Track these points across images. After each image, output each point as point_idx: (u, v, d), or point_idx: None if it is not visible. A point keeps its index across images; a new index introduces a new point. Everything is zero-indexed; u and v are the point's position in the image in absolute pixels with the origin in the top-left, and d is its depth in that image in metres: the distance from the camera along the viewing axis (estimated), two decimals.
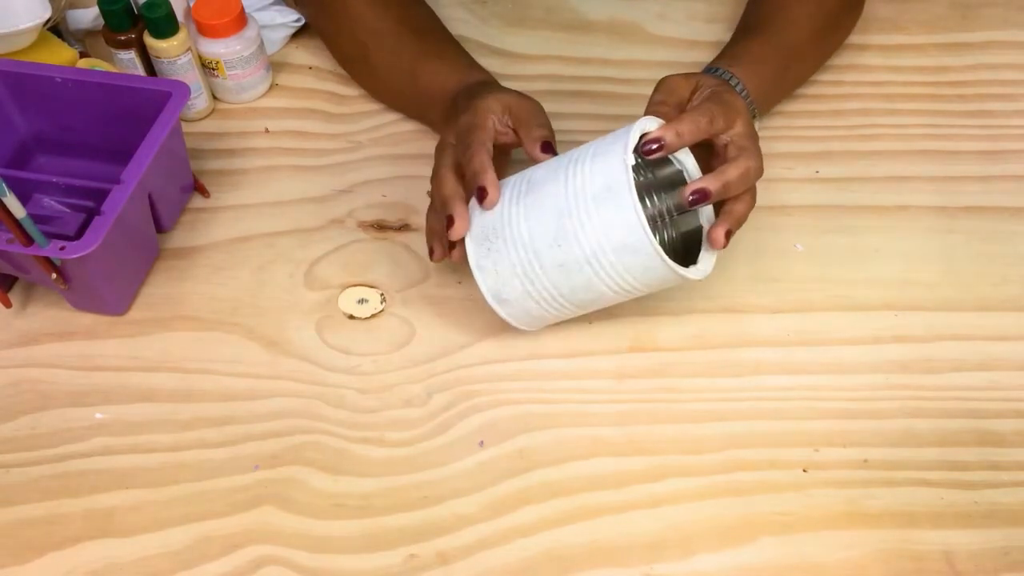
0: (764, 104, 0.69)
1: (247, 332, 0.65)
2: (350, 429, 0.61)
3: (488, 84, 0.67)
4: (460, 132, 0.61)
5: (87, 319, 0.65)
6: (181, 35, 0.73)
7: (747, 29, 0.73)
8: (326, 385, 0.62)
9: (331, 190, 0.72)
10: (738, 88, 0.65)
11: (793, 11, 0.72)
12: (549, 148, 0.60)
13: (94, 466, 0.59)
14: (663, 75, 0.79)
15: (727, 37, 0.81)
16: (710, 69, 0.67)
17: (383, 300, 0.66)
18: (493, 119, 0.61)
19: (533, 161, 0.60)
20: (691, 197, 0.57)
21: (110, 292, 0.64)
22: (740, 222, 0.59)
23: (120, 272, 0.65)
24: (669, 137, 0.56)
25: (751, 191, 0.59)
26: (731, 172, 0.57)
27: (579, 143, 0.74)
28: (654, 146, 0.56)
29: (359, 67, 0.76)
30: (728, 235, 0.59)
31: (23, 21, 0.69)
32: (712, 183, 0.57)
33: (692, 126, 0.57)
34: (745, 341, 0.64)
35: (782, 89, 0.73)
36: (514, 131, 0.62)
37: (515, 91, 0.64)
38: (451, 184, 0.60)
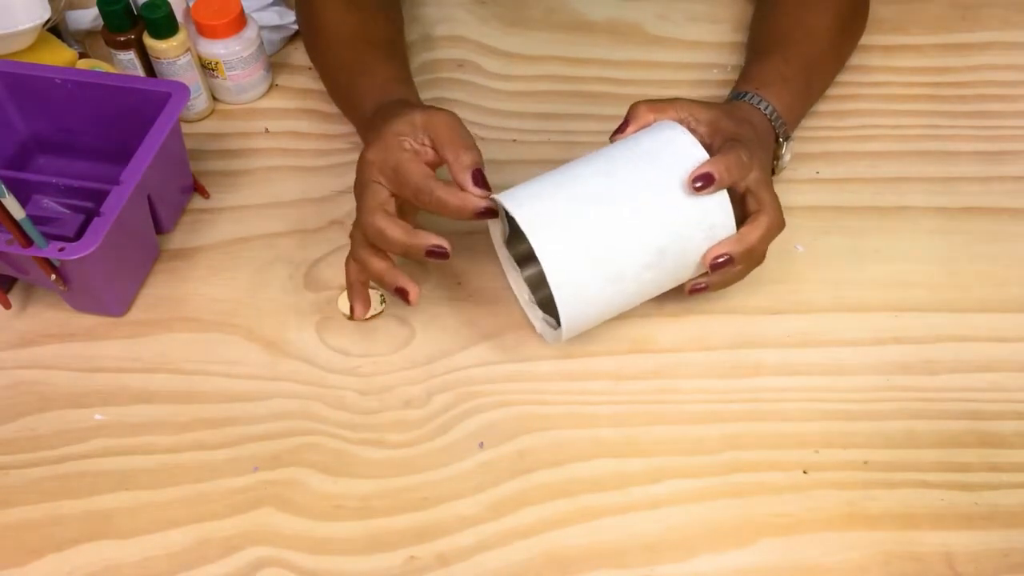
0: (792, 122, 0.68)
1: (247, 333, 0.65)
2: (350, 430, 0.60)
3: (402, 102, 0.63)
4: (384, 170, 0.58)
5: (87, 320, 0.65)
6: (181, 36, 0.73)
7: (766, 48, 0.72)
8: (326, 386, 0.62)
9: (331, 191, 0.72)
10: (767, 110, 0.65)
11: (809, 24, 0.72)
12: (481, 180, 0.56)
13: (94, 467, 0.59)
14: (663, 75, 0.80)
15: (728, 38, 0.82)
16: (738, 94, 0.66)
17: (383, 301, 0.66)
18: (407, 143, 0.58)
19: (460, 187, 0.56)
20: (714, 262, 0.57)
21: (110, 293, 0.64)
22: (723, 284, 0.61)
23: (120, 273, 0.65)
24: (721, 174, 0.56)
25: (756, 256, 0.60)
26: (753, 235, 0.58)
27: (578, 144, 0.74)
28: (699, 184, 0.55)
29: (318, 72, 0.75)
30: (698, 290, 0.60)
31: (23, 22, 0.69)
32: (735, 248, 0.57)
33: (737, 162, 0.57)
34: (745, 342, 0.64)
35: (807, 104, 0.72)
36: (434, 149, 0.58)
37: (427, 107, 0.60)
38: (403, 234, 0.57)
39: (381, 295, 0.66)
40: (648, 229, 0.56)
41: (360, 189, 0.59)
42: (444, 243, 0.57)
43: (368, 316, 0.65)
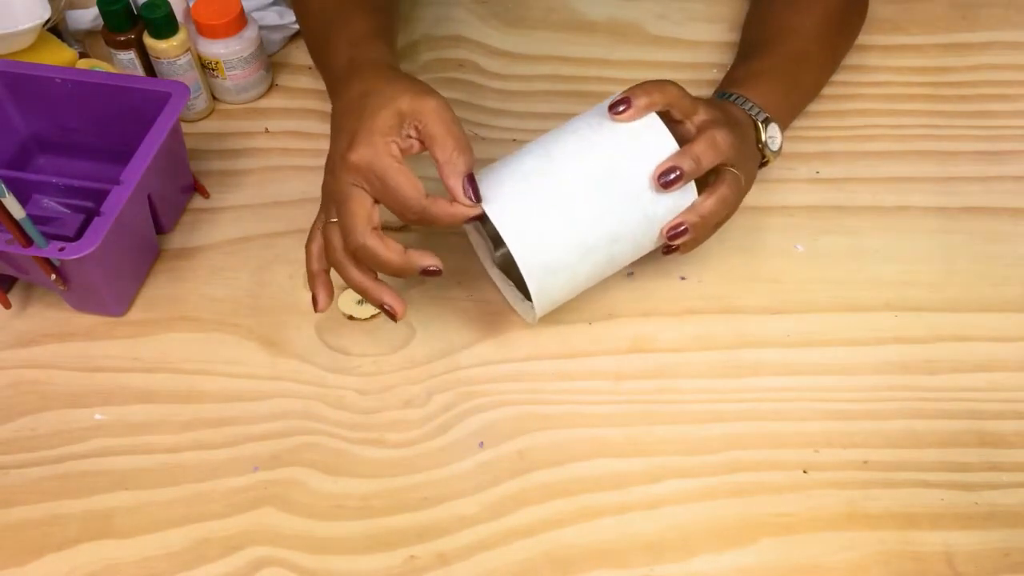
0: (780, 115, 0.66)
1: (247, 333, 0.65)
2: (350, 430, 0.60)
3: (379, 68, 0.58)
4: (368, 177, 0.54)
5: (87, 320, 0.65)
6: (181, 36, 0.73)
7: (748, 49, 0.73)
8: (326, 386, 0.62)
9: None
10: (745, 105, 0.64)
11: (794, 21, 0.72)
12: (473, 189, 0.54)
13: (93, 467, 0.59)
14: (662, 75, 0.79)
15: (727, 37, 0.82)
16: (721, 95, 0.66)
17: None
18: (394, 146, 0.54)
19: (451, 193, 0.54)
20: (663, 179, 0.56)
21: (110, 293, 0.64)
22: (705, 220, 0.58)
23: (120, 273, 0.65)
24: (637, 95, 0.56)
25: (724, 190, 0.58)
26: (697, 145, 0.57)
27: None
28: (620, 108, 0.56)
29: (300, 25, 0.73)
30: (678, 231, 0.57)
31: (23, 22, 0.69)
32: (680, 159, 0.56)
33: (657, 86, 0.57)
34: (745, 342, 0.64)
35: (797, 98, 0.72)
36: (421, 141, 0.54)
37: (412, 88, 0.55)
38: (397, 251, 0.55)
39: None
40: (578, 156, 0.56)
41: (339, 194, 0.55)
42: (438, 262, 0.55)
43: (368, 316, 0.65)
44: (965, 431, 0.60)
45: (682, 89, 0.58)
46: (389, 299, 0.57)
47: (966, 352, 0.63)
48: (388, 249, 0.55)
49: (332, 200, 0.56)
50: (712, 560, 0.55)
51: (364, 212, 0.54)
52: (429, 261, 0.55)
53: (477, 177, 0.56)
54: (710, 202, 0.58)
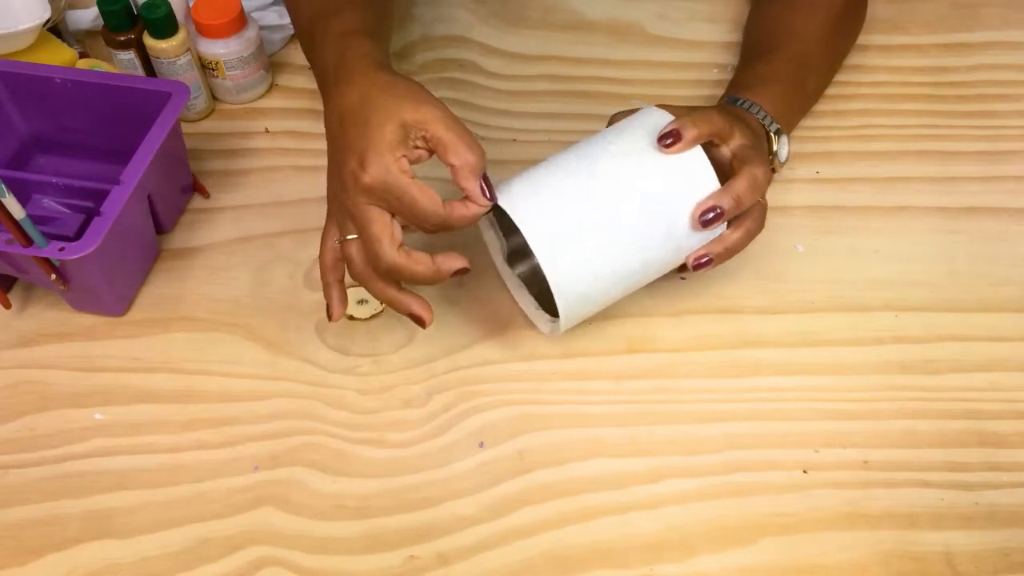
0: (787, 121, 0.67)
1: (247, 333, 0.65)
2: (350, 430, 0.61)
3: (367, 71, 0.56)
4: (384, 196, 0.53)
5: (87, 320, 0.65)
6: (181, 35, 0.73)
7: (754, 52, 0.73)
8: (326, 386, 0.62)
9: None
10: (758, 113, 0.64)
11: (797, 24, 0.72)
12: (489, 187, 0.54)
13: (94, 467, 0.59)
14: (662, 75, 0.80)
15: (727, 37, 0.82)
16: (731, 100, 0.66)
17: None
18: (405, 161, 0.53)
19: (468, 195, 0.54)
20: (703, 218, 0.56)
21: (110, 293, 0.64)
22: (729, 251, 0.58)
23: (120, 273, 0.65)
24: (687, 128, 0.56)
25: (751, 224, 0.58)
26: (739, 184, 0.57)
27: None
28: (669, 140, 0.56)
29: (290, 15, 0.71)
30: (703, 262, 0.58)
31: (23, 22, 0.69)
32: (722, 199, 0.56)
33: (705, 118, 0.57)
34: (745, 342, 0.64)
35: (802, 102, 0.72)
36: (430, 150, 0.54)
37: (407, 90, 0.54)
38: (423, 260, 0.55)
39: None
40: (621, 184, 0.56)
41: (358, 216, 0.54)
42: (466, 261, 0.55)
43: (368, 316, 0.65)
44: (965, 431, 0.60)
45: (724, 117, 0.58)
46: (417, 308, 0.57)
47: (966, 352, 0.63)
48: (417, 263, 0.54)
49: (348, 218, 0.55)
50: (712, 560, 0.55)
51: (387, 233, 0.54)
52: (458, 263, 0.55)
53: (511, 185, 0.56)
54: (737, 235, 0.58)
